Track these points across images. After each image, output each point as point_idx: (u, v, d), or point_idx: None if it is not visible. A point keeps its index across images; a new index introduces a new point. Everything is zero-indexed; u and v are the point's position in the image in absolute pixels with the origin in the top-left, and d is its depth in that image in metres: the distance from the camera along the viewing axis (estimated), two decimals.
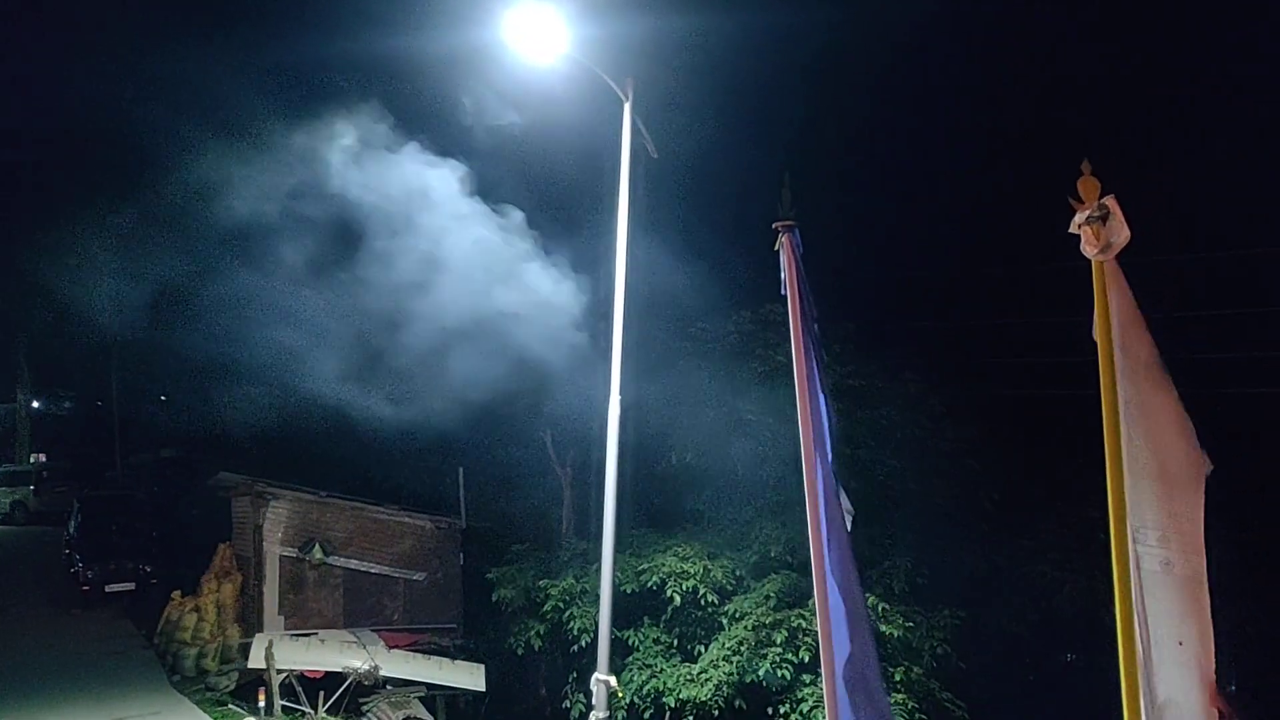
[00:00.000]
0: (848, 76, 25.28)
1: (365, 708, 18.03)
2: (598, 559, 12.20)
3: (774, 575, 17.17)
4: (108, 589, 24.61)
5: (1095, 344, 6.21)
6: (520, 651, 18.97)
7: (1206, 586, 5.90)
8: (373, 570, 21.29)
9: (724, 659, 16.38)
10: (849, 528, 7.82)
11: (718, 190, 22.24)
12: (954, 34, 25.33)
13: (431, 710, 18.72)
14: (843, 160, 24.86)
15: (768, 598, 16.68)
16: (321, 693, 17.85)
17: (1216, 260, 20.85)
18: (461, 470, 22.84)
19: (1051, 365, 20.64)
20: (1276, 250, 19.49)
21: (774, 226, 8.16)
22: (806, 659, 15.64)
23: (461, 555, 22.30)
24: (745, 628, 16.38)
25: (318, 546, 20.70)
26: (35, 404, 48.36)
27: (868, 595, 7.78)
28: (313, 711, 17.52)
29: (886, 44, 25.51)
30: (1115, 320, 6.14)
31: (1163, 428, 6.03)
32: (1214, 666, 5.83)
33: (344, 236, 17.89)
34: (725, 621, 17.07)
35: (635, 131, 11.07)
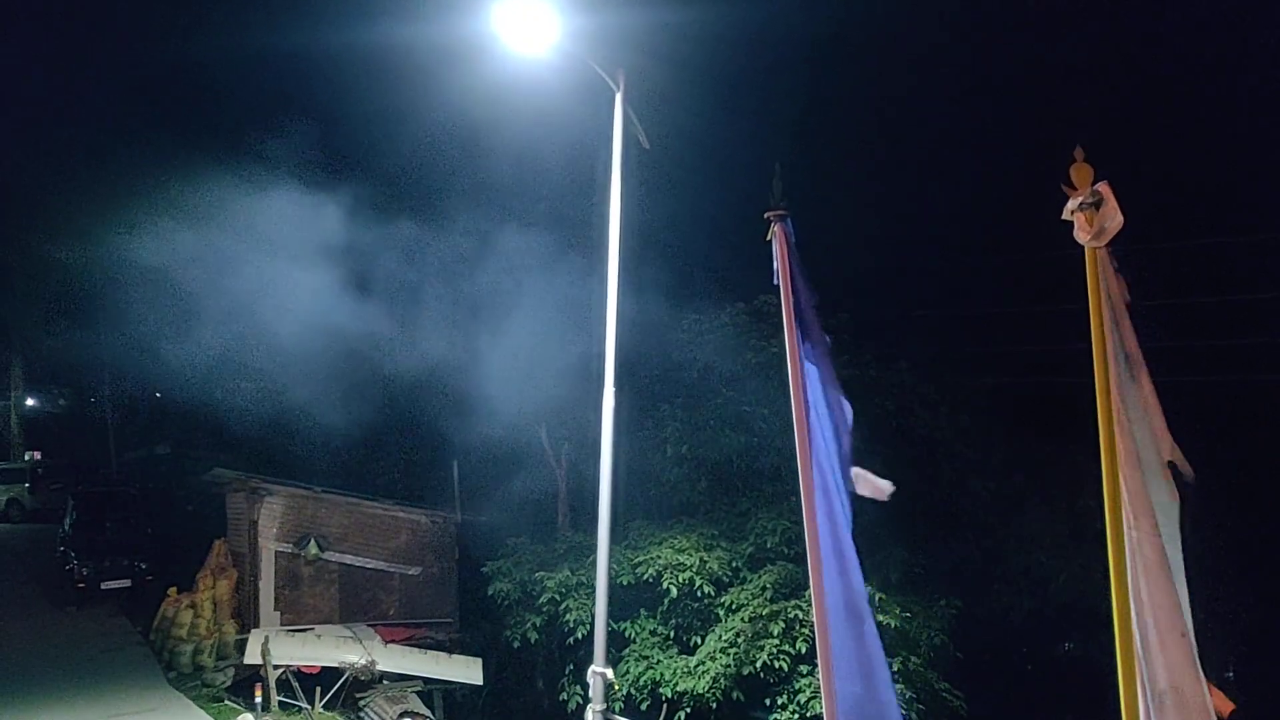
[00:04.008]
0: (839, 66, 25.26)
1: (362, 703, 18.01)
2: (593, 551, 12.18)
3: (770, 566, 17.15)
4: (103, 586, 24.54)
5: (1089, 331, 6.20)
6: (517, 644, 18.97)
7: (1183, 574, 5.93)
8: (368, 565, 21.26)
9: (721, 650, 16.38)
10: (882, 499, 7.77)
11: (710, 181, 22.22)
12: (945, 22, 25.30)
13: (428, 704, 18.71)
14: (835, 149, 24.85)
15: (764, 589, 16.67)
16: (318, 688, 17.83)
17: (1211, 247, 20.84)
18: (456, 464, 22.80)
19: (1046, 353, 20.66)
20: (1271, 237, 19.49)
21: (766, 216, 8.12)
22: (804, 650, 15.64)
23: (457, 549, 22.28)
24: (742, 619, 16.38)
25: (313, 542, 20.66)
26: (29, 401, 48.24)
27: (866, 586, 7.78)
28: (309, 707, 17.50)
29: (879, 32, 25.48)
30: (1107, 307, 6.14)
31: (1148, 416, 6.03)
32: (1198, 655, 5.85)
33: (338, 228, 17.86)
34: (722, 613, 17.06)
35: (627, 122, 11.02)
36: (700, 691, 16.35)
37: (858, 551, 7.58)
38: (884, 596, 15.84)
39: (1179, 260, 20.07)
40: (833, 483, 7.71)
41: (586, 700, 10.19)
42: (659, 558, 17.56)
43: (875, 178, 26.20)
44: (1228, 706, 5.85)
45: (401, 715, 17.42)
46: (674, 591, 17.29)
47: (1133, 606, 5.86)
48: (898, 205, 25.88)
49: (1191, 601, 5.93)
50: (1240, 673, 18.82)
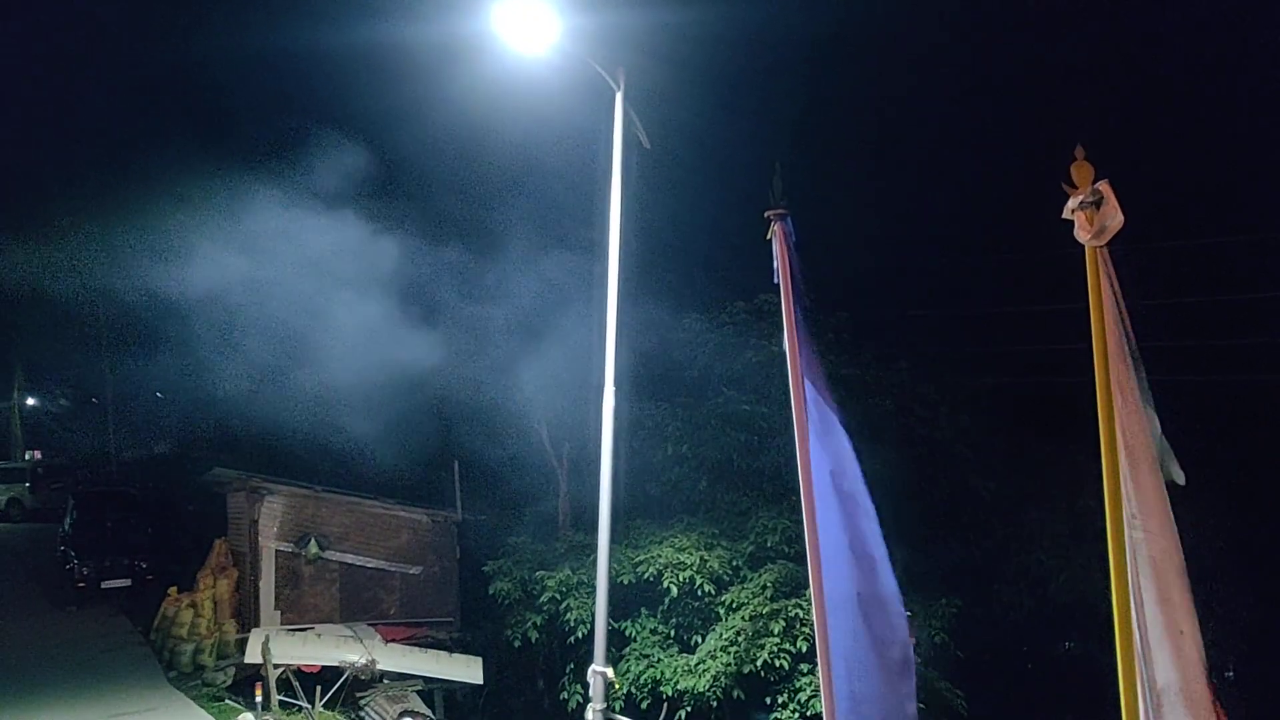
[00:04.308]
0: (839, 65, 25.26)
1: (362, 702, 18.01)
2: (594, 550, 12.20)
3: (771, 565, 17.16)
4: (103, 585, 24.54)
5: (1089, 330, 6.21)
6: (517, 644, 18.97)
7: (1185, 574, 5.92)
8: (369, 564, 21.26)
9: (721, 649, 16.38)
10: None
11: (711, 180, 22.23)
12: (945, 22, 25.30)
13: (429, 704, 18.70)
14: (835, 149, 24.85)
15: (765, 588, 16.67)
16: (318, 687, 17.81)
17: (1212, 246, 20.84)
18: (457, 463, 22.80)
19: (1046, 352, 20.67)
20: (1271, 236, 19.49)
21: (766, 215, 8.14)
22: (804, 649, 15.64)
23: (458, 548, 22.28)
24: (742, 618, 16.38)
25: (313, 541, 20.66)
26: (30, 401, 48.28)
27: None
28: (310, 706, 17.49)
29: (878, 31, 25.49)
30: (1110, 306, 6.14)
31: (1139, 414, 6.04)
32: (1204, 653, 5.84)
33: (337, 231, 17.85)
34: (722, 612, 17.07)
35: (627, 122, 11.02)
36: (701, 690, 16.36)
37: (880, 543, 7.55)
38: None
39: (1179, 260, 20.08)
40: (852, 483, 7.68)
41: (587, 699, 10.21)
42: (659, 557, 17.57)
43: (875, 177, 26.24)
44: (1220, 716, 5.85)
45: (402, 714, 17.42)
46: (674, 590, 17.30)
47: (1132, 605, 5.87)
48: (898, 205, 25.91)
49: (1189, 600, 5.93)
50: (1240, 673, 18.83)
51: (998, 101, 25.57)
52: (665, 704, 17.16)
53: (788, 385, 7.90)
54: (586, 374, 16.97)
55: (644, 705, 17.22)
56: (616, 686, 16.54)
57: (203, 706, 17.86)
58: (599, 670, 10.05)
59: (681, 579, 17.23)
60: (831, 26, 24.40)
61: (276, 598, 20.48)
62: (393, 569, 21.53)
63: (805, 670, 15.83)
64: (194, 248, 18.45)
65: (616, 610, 17.37)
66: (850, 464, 7.75)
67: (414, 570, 21.73)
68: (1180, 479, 6.05)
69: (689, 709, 16.89)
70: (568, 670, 18.54)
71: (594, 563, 12.96)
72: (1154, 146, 21.67)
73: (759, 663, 15.97)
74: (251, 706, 17.04)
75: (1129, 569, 5.90)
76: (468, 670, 19.34)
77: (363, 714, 17.90)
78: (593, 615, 14.43)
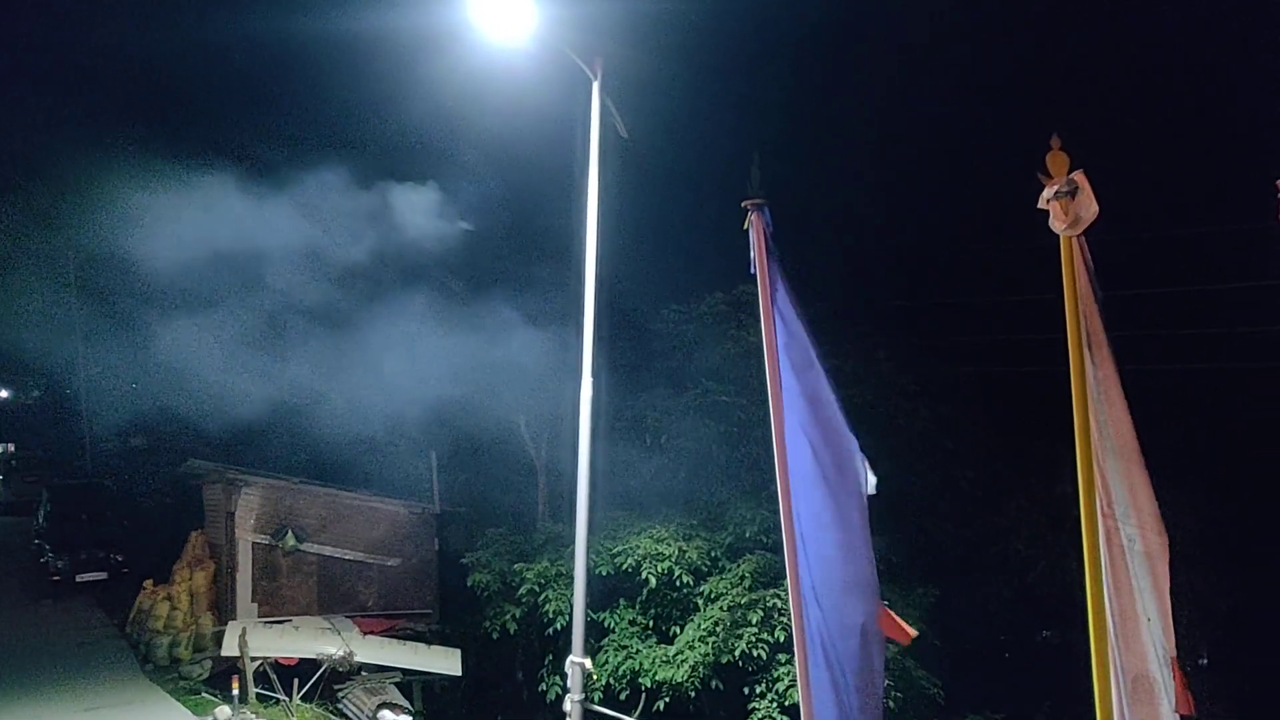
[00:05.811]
0: (819, 53, 25.25)
1: (341, 694, 17.95)
2: (572, 542, 12.18)
3: (749, 556, 17.18)
4: (78, 579, 24.40)
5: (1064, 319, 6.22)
6: (496, 635, 18.92)
7: (1166, 562, 5.93)
8: (346, 556, 21.18)
9: (700, 640, 16.40)
10: (867, 493, 7.74)
11: (690, 170, 22.19)
12: (924, 11, 25.30)
13: (407, 696, 18.65)
14: (816, 138, 24.84)
15: (743, 578, 16.69)
16: (296, 680, 17.76)
17: (1192, 237, 20.93)
18: (434, 454, 22.72)
19: (1027, 342, 20.72)
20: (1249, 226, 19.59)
21: (743, 205, 8.12)
22: (782, 639, 15.66)
23: (436, 540, 22.22)
24: (721, 608, 16.40)
25: (290, 533, 20.56)
26: (3, 393, 47.88)
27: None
28: (287, 699, 17.43)
29: (859, 18, 25.46)
30: (1086, 296, 6.15)
31: (1114, 402, 6.06)
32: (1174, 641, 5.86)
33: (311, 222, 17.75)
34: (700, 602, 17.09)
35: (605, 112, 10.98)
36: (679, 680, 16.37)
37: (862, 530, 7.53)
38: None
39: (1155, 250, 20.17)
40: (831, 470, 7.66)
41: (566, 690, 10.20)
42: (638, 548, 17.56)
43: (856, 167, 26.20)
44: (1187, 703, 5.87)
45: (380, 707, 17.37)
46: (653, 581, 17.31)
47: (1105, 593, 5.89)
48: (878, 195, 25.89)
49: (1162, 588, 5.95)
50: (1214, 659, 18.98)
51: (980, 90, 25.60)
52: (644, 695, 17.17)
53: (765, 376, 7.89)
54: (564, 366, 16.95)
55: (622, 696, 17.23)
56: (595, 678, 16.53)
57: (179, 700, 17.79)
58: (577, 661, 10.05)
59: (660, 570, 17.23)
60: (813, 15, 24.40)
61: (253, 590, 20.39)
62: (370, 561, 21.46)
63: (783, 660, 15.86)
64: (160, 235, 18.30)
65: (595, 601, 17.35)
66: (844, 443, 7.72)
67: (392, 562, 21.67)
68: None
69: (667, 699, 16.91)
70: (546, 661, 18.52)
71: (572, 554, 12.96)
72: (1140, 139, 21.75)
73: (737, 653, 15.99)
74: (228, 699, 16.98)
75: (1102, 557, 5.92)
76: (446, 662, 19.29)
77: (341, 706, 17.84)
78: (571, 606, 14.42)
